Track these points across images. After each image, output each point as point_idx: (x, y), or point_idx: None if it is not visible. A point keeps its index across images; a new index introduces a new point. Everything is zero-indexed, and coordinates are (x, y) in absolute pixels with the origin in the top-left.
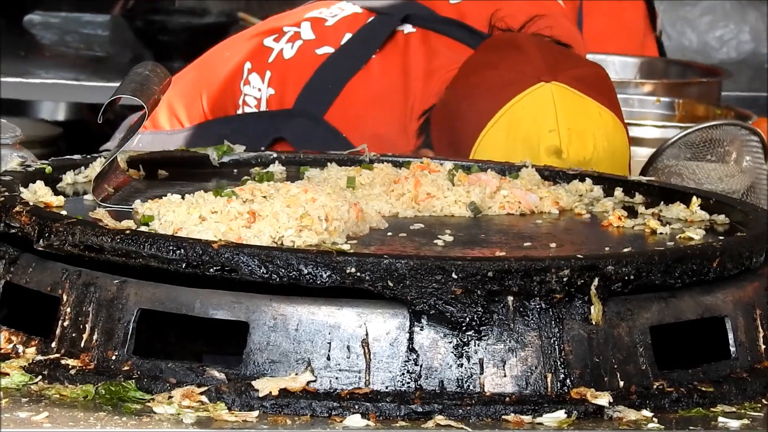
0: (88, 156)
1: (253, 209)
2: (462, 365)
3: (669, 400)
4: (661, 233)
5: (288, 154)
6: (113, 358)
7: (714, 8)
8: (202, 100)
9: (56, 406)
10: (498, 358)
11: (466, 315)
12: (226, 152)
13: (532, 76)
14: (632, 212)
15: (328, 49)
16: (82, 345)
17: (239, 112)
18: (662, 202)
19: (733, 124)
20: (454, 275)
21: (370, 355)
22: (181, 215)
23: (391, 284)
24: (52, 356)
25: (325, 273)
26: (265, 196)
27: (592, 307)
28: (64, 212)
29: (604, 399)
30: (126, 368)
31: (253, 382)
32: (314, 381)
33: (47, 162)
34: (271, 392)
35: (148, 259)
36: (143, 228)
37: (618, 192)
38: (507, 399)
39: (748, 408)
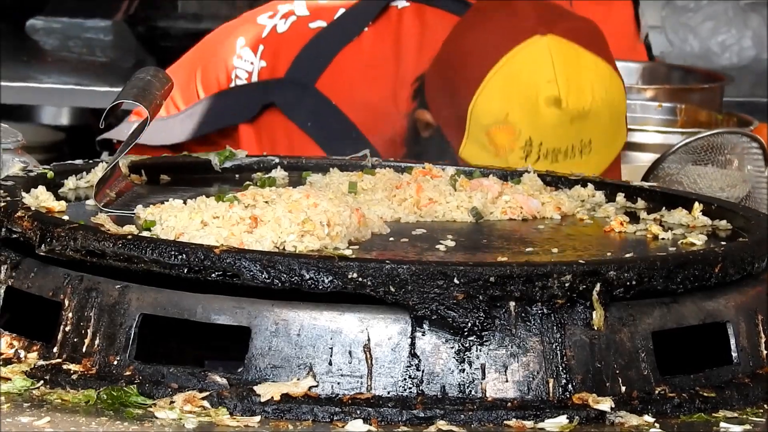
0: (90, 161)
1: (255, 214)
2: (464, 370)
3: (671, 406)
4: (663, 239)
5: (290, 160)
6: (115, 363)
7: (716, 14)
8: (197, 81)
9: (58, 411)
10: (500, 364)
11: (468, 320)
12: (228, 157)
13: (527, 29)
14: (634, 218)
15: (321, 23)
16: (84, 350)
17: (232, 86)
18: (664, 208)
19: (734, 132)
20: (456, 280)
21: (371, 360)
22: (183, 220)
23: (392, 289)
24: (53, 361)
25: (327, 278)
26: (267, 201)
27: (594, 313)
28: (65, 217)
29: (605, 404)
30: (128, 373)
31: (254, 388)
32: (316, 386)
33: (49, 167)
34: (273, 397)
35: (149, 264)
36: (145, 233)
37: (620, 197)
38: (509, 404)
39: (750, 413)
